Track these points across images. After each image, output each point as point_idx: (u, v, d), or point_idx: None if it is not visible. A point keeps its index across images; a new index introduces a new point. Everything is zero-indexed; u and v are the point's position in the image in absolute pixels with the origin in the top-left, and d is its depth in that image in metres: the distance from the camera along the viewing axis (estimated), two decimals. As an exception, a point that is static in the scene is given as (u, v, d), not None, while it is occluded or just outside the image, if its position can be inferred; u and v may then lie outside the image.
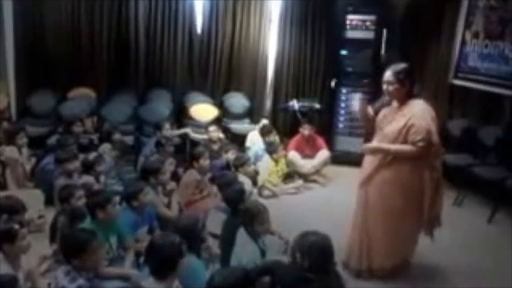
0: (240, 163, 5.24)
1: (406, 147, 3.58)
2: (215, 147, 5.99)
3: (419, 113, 3.58)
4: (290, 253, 3.15)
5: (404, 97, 3.69)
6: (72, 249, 3.00)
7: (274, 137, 6.32)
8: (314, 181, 6.20)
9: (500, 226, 5.06)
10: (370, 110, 3.97)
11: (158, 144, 5.65)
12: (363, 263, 3.89)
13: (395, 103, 3.78)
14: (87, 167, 4.86)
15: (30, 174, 5.26)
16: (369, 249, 3.86)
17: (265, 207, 3.61)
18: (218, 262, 3.69)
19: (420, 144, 3.52)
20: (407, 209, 3.69)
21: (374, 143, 3.79)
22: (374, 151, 3.76)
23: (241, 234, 3.55)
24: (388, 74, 3.70)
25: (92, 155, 5.12)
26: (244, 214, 3.61)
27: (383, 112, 3.85)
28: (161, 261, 2.81)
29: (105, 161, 5.08)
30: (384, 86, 3.73)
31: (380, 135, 3.79)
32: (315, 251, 2.79)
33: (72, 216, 3.71)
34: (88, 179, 4.70)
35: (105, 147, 5.52)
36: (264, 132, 6.38)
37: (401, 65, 3.73)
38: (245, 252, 3.44)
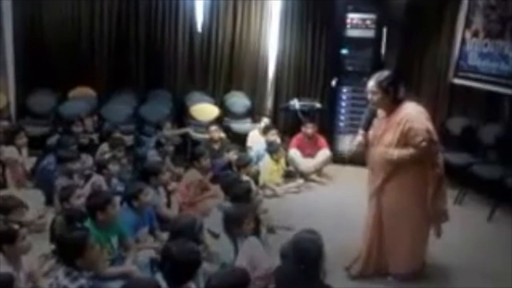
0: (243, 164, 5.20)
1: (409, 151, 3.56)
2: (216, 146, 5.98)
3: (413, 116, 3.57)
4: (280, 248, 3.17)
5: (391, 105, 3.65)
6: (70, 249, 2.98)
7: (275, 137, 6.31)
8: (315, 180, 6.19)
9: (500, 224, 5.07)
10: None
11: (159, 144, 5.65)
12: (369, 268, 3.88)
13: (381, 113, 3.75)
14: (100, 167, 4.82)
15: (30, 174, 5.25)
16: (388, 254, 3.84)
17: (250, 207, 3.63)
18: (217, 262, 3.69)
19: (423, 144, 3.51)
20: (419, 210, 3.68)
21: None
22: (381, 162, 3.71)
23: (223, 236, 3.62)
24: (371, 84, 3.66)
25: (107, 155, 5.07)
26: (230, 217, 3.64)
27: (374, 126, 3.81)
28: (178, 269, 2.71)
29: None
30: (369, 96, 3.69)
31: (379, 146, 3.72)
32: (303, 250, 2.85)
33: (69, 217, 3.70)
34: (98, 178, 4.68)
35: (105, 146, 5.51)
36: (266, 131, 6.38)
37: (384, 74, 3.70)
38: (219, 252, 3.52)
